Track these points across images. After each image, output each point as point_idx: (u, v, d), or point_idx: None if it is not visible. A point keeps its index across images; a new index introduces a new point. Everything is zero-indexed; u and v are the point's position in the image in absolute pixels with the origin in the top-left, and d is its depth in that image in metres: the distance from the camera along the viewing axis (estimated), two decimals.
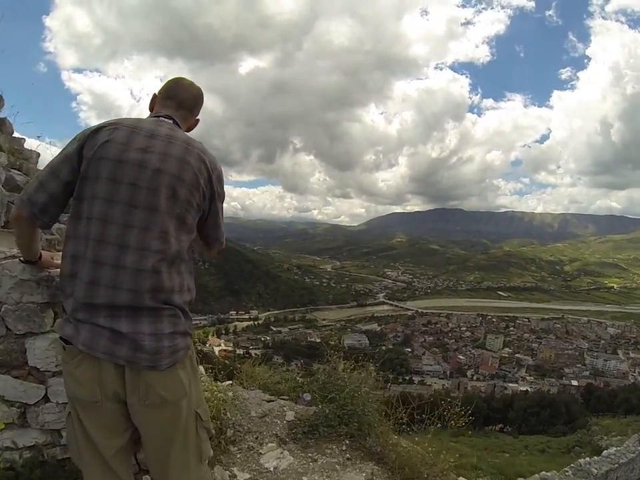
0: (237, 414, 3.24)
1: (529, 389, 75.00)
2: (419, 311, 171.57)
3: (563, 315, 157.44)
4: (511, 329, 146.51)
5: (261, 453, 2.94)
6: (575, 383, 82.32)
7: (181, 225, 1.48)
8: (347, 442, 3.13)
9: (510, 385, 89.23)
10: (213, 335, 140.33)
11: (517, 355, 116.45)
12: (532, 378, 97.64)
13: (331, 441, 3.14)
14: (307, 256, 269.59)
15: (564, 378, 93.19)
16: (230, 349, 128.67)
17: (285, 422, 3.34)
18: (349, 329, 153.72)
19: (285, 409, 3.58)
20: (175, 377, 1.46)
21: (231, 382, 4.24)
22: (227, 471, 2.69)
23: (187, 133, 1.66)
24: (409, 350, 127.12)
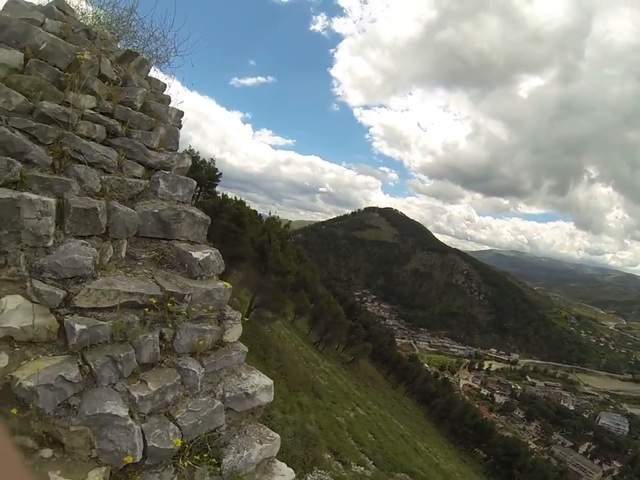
0: None
1: None
2: None
3: None
4: None
5: None
6: None
7: None
8: None
9: None
10: (465, 367, 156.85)
11: None
12: None
13: None
14: (589, 306, 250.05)
15: None
16: (476, 386, 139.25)
17: None
18: (611, 406, 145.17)
19: None
20: None
21: None
22: None
23: None
24: None
